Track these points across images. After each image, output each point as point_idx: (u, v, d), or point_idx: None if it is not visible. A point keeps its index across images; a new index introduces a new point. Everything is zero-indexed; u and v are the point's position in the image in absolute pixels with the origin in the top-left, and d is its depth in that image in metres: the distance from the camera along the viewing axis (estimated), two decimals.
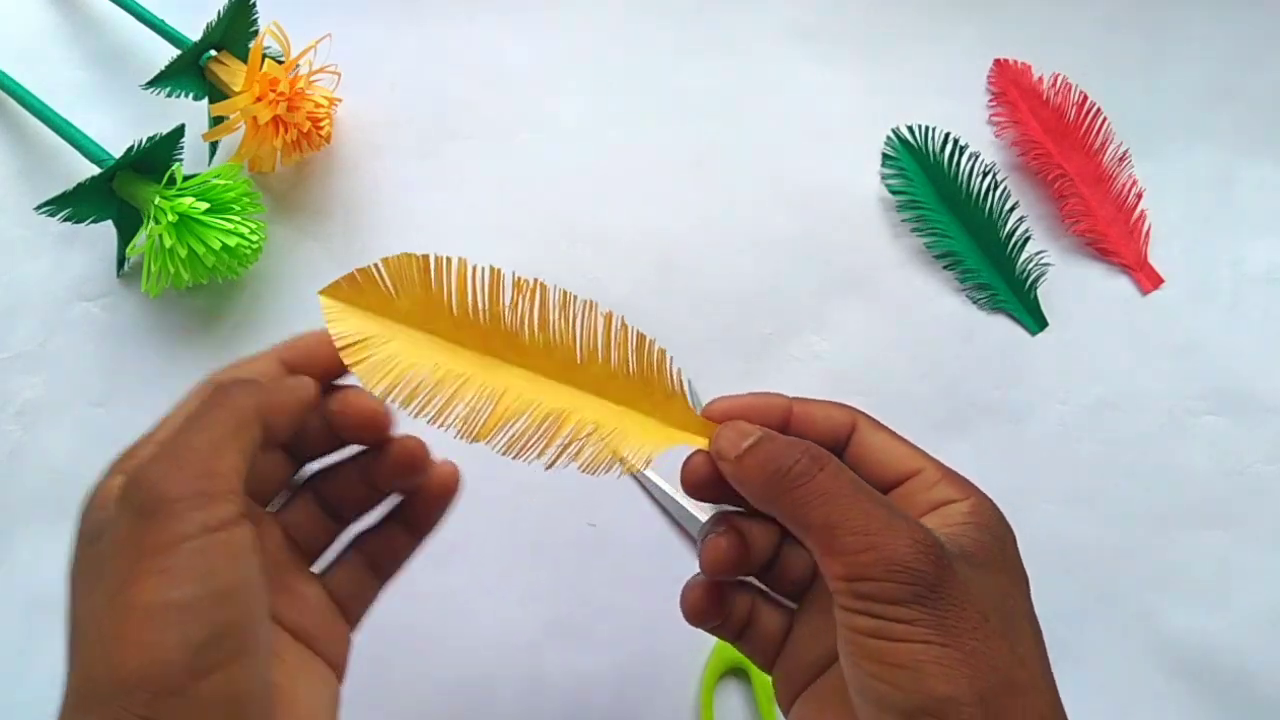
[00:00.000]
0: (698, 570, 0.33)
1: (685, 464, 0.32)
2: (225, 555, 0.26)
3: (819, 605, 0.33)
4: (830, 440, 0.32)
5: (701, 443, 0.32)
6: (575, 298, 0.32)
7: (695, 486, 0.32)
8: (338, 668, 0.33)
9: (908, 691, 0.25)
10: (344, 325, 0.31)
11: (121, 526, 0.26)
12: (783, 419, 0.32)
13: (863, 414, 0.33)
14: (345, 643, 0.34)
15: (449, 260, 0.31)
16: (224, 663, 0.25)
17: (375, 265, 0.31)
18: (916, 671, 0.25)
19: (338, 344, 0.31)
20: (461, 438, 0.31)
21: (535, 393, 0.32)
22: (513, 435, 0.31)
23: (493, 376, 0.32)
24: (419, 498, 0.35)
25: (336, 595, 0.34)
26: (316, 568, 0.34)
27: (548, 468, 0.31)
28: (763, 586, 0.35)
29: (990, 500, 0.30)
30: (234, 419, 0.28)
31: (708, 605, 0.33)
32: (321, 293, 0.31)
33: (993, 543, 0.29)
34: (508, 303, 0.31)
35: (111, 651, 0.24)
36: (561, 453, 0.31)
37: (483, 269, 0.31)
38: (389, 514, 0.35)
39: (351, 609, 0.34)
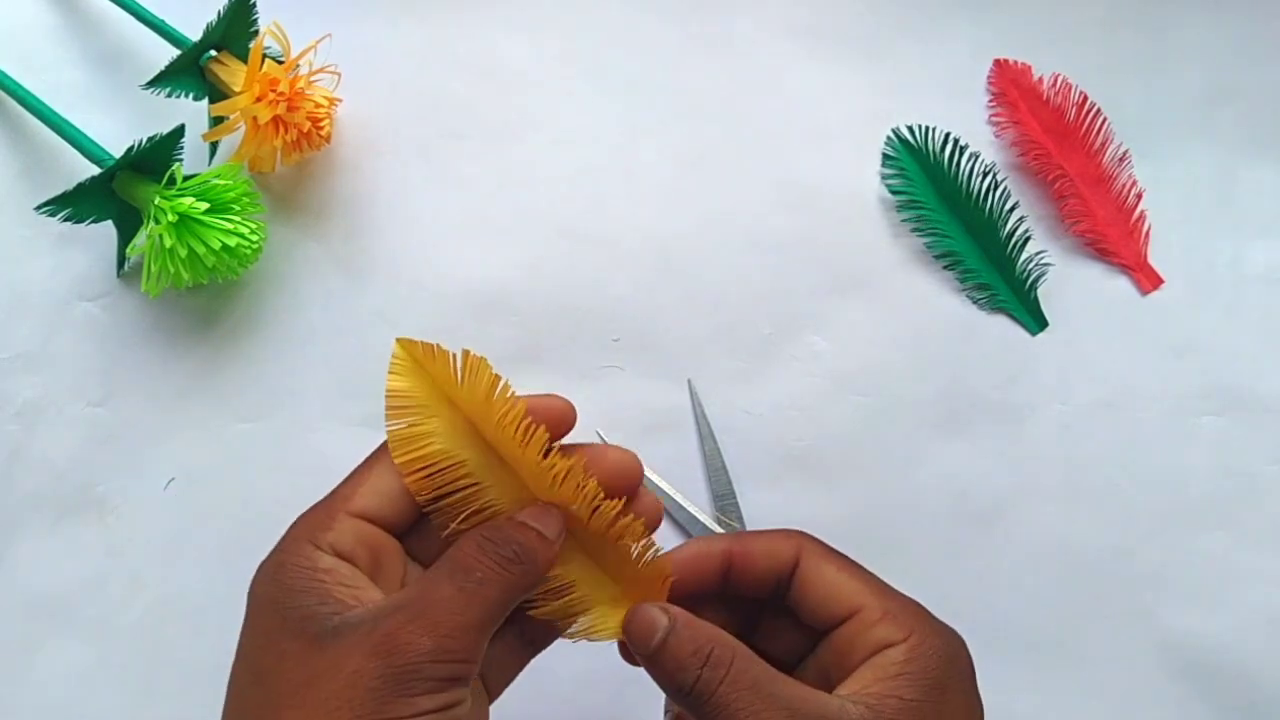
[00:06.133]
0: None
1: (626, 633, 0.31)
2: None
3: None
4: (773, 578, 0.32)
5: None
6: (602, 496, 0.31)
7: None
8: None
9: None
10: (403, 382, 0.31)
11: (352, 662, 0.25)
12: (722, 566, 0.32)
13: (809, 540, 0.32)
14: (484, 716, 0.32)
15: (515, 397, 0.31)
16: None
17: (456, 351, 0.30)
18: None
19: (389, 399, 0.30)
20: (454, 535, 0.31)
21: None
22: None
23: (507, 495, 0.31)
24: None
25: (483, 670, 0.31)
26: None
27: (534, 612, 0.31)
28: None
29: (933, 634, 0.30)
30: (506, 597, 0.28)
31: None
32: (399, 340, 0.31)
33: (928, 691, 0.29)
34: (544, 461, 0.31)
35: None
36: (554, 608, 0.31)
37: (535, 427, 0.30)
38: None
39: (496, 681, 0.32)
